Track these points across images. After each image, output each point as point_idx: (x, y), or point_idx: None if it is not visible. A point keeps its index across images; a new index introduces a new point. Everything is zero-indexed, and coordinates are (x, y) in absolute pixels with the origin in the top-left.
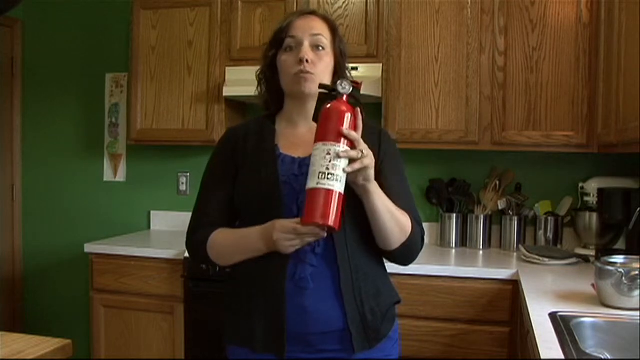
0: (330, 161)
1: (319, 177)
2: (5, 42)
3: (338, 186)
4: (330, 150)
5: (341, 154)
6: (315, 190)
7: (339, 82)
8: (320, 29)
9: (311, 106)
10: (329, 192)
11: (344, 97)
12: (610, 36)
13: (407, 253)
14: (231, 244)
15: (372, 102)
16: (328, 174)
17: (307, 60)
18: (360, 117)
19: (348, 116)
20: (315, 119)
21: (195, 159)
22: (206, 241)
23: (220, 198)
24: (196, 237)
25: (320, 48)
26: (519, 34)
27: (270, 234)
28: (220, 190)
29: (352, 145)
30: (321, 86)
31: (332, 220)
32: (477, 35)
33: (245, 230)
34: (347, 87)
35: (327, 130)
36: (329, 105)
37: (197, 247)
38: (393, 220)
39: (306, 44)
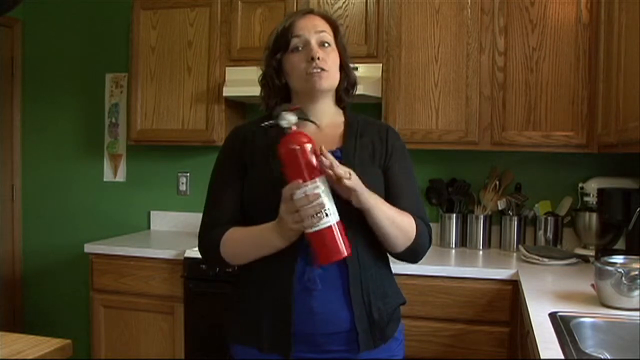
0: (317, 198)
1: (317, 218)
2: (5, 42)
3: (332, 218)
4: (310, 192)
5: (321, 188)
6: (315, 234)
7: (279, 117)
8: (323, 26)
9: (321, 104)
10: (329, 230)
11: (293, 128)
12: (610, 36)
13: (413, 254)
14: (245, 241)
15: (372, 102)
16: (317, 214)
17: (318, 58)
18: (314, 141)
19: (308, 147)
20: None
21: (195, 159)
22: (219, 242)
23: (230, 197)
24: (209, 238)
25: (326, 44)
26: (518, 34)
27: (279, 219)
28: (231, 189)
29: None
30: (265, 125)
31: (344, 251)
32: (477, 36)
33: (258, 227)
34: (292, 119)
35: (296, 172)
36: (283, 145)
37: (209, 248)
38: (396, 228)
39: (313, 41)
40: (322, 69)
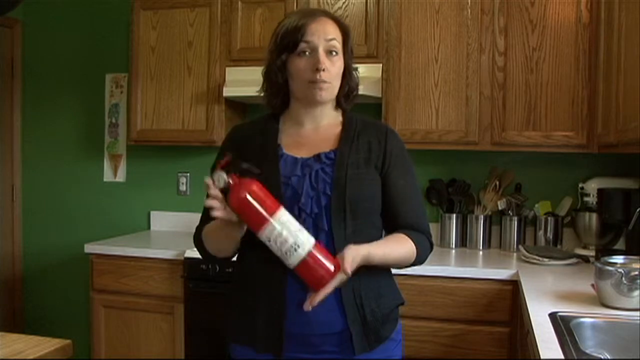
0: (279, 240)
1: (288, 256)
2: (5, 42)
3: (306, 246)
4: (270, 236)
5: (278, 228)
6: (299, 267)
7: (214, 178)
8: (334, 33)
9: (320, 109)
10: (305, 262)
11: (231, 181)
12: (610, 36)
13: (414, 265)
14: (211, 233)
15: (372, 102)
16: (290, 248)
17: (323, 69)
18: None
19: (255, 191)
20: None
21: (195, 159)
22: (201, 236)
23: None
24: (197, 234)
25: (334, 53)
26: (518, 34)
27: None
28: None
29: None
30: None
31: (331, 271)
32: (477, 36)
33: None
34: (223, 177)
35: (253, 219)
36: (230, 200)
37: (197, 243)
38: (397, 260)
39: (321, 50)
40: (325, 82)
